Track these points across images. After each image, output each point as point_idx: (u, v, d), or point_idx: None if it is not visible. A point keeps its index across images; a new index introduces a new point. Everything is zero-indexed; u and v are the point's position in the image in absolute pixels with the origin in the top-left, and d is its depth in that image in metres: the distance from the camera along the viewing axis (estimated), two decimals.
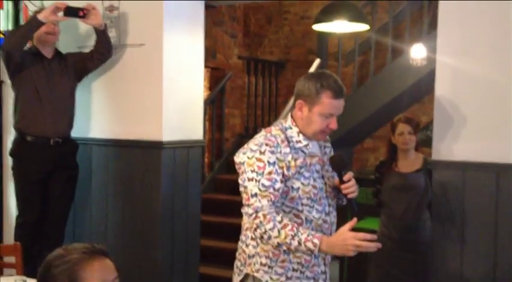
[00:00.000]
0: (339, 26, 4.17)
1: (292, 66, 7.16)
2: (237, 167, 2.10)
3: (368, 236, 1.88)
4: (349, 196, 2.09)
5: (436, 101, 2.72)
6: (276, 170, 2.01)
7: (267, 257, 2.08)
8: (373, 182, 3.57)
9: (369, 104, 5.55)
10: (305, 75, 2.15)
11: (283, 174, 2.02)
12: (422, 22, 5.31)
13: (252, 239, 2.12)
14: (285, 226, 1.93)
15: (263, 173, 2.00)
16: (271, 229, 1.94)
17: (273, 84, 6.75)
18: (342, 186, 2.09)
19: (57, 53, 3.41)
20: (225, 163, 5.95)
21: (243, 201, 2.05)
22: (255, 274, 2.11)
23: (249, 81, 6.48)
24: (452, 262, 2.65)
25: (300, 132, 2.09)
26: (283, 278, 2.08)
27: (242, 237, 2.18)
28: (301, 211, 2.06)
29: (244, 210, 2.04)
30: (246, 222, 2.11)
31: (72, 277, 1.37)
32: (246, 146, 2.10)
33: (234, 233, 2.12)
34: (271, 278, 2.08)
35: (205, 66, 6.58)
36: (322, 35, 5.77)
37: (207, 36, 5.78)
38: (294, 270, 2.09)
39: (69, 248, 1.43)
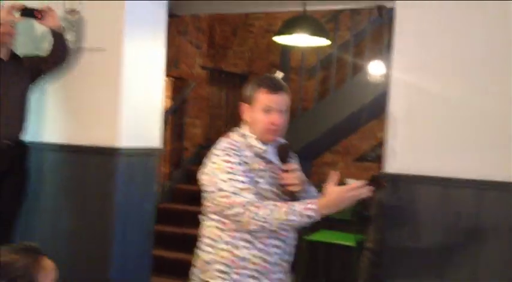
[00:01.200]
0: (301, 40, 4.25)
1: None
2: (204, 182, 2.09)
3: (358, 183, 1.94)
4: (289, 188, 2.06)
5: (390, 115, 2.78)
6: (245, 169, 2.03)
7: (224, 264, 2.08)
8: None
9: (328, 119, 5.63)
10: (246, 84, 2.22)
11: (248, 177, 2.03)
12: (382, 39, 5.43)
13: (209, 246, 2.11)
14: (278, 206, 1.95)
15: (236, 172, 2.02)
16: (268, 214, 1.94)
17: (236, 96, 6.78)
18: (283, 175, 2.07)
19: (13, 55, 3.34)
20: (184, 173, 5.92)
21: (215, 206, 2.05)
22: (212, 281, 2.09)
23: (212, 92, 6.49)
24: (402, 271, 2.69)
25: (257, 138, 2.12)
26: None
27: (199, 244, 2.17)
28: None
29: (229, 212, 2.01)
30: (204, 228, 2.13)
31: (31, 281, 1.37)
32: (208, 160, 2.10)
33: (190, 243, 2.11)
34: None
35: (168, 76, 6.57)
36: (285, 49, 5.85)
37: (170, 45, 5.76)
38: (250, 276, 2.07)
39: (5, 254, 1.40)
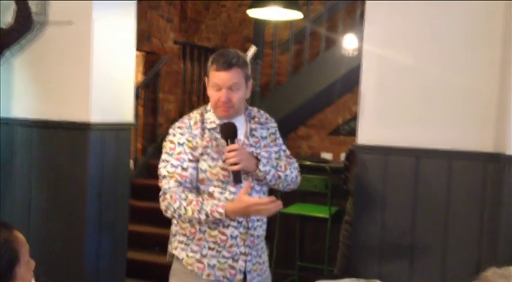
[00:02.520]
0: (274, 13, 4.21)
1: None
2: None
3: (265, 200, 1.98)
4: (232, 168, 2.04)
5: (362, 88, 2.80)
6: (185, 150, 2.09)
7: (184, 235, 2.16)
8: (342, 170, 3.63)
9: (302, 92, 5.65)
10: None
11: (192, 155, 2.09)
12: (356, 13, 5.43)
13: (174, 218, 2.17)
14: (190, 202, 2.03)
15: (173, 153, 2.10)
16: (179, 207, 2.03)
17: None
18: (227, 155, 2.05)
19: None
20: (158, 148, 5.87)
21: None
22: (174, 252, 2.19)
23: (184, 67, 6.43)
24: (372, 241, 2.74)
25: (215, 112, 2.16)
26: (198, 256, 2.14)
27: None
28: (212, 192, 2.10)
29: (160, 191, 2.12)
30: None
31: (13, 254, 1.40)
32: None
33: (165, 218, 2.16)
34: (187, 256, 2.15)
35: (140, 50, 6.49)
36: (258, 23, 5.80)
37: (142, 19, 5.66)
38: (209, 248, 2.13)
39: None
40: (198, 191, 2.12)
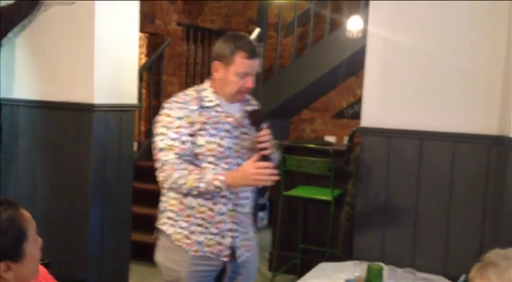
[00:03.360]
0: None
1: None
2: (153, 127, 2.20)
3: (265, 164, 2.01)
4: (264, 152, 2.10)
5: (366, 70, 2.78)
6: (184, 124, 2.10)
7: (172, 211, 2.19)
8: (345, 152, 3.64)
9: (306, 75, 5.61)
10: (221, 38, 2.21)
11: (190, 129, 2.11)
12: None
13: (163, 195, 2.22)
14: (191, 171, 2.06)
15: (171, 127, 2.11)
16: (179, 178, 2.05)
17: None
18: (258, 140, 2.12)
19: None
20: None
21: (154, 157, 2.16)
22: (162, 227, 2.22)
23: (188, 49, 6.39)
24: (375, 224, 2.75)
25: (216, 92, 2.19)
26: (186, 232, 2.17)
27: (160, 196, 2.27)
28: (204, 169, 2.11)
29: (156, 164, 2.12)
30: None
31: (20, 231, 1.40)
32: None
33: None
34: (175, 232, 2.18)
35: (143, 32, 6.45)
36: (262, 5, 5.76)
37: (145, 0, 5.61)
38: (198, 225, 2.16)
39: None
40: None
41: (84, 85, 3.25)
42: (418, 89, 2.67)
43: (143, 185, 5.02)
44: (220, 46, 2.16)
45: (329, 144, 4.87)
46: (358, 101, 5.79)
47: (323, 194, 4.14)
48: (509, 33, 2.47)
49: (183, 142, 2.09)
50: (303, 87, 5.69)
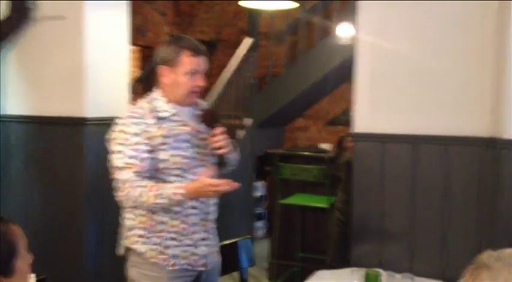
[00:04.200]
0: (268, 3, 4.21)
1: (224, 46, 7.12)
2: (108, 144, 2.14)
3: (222, 181, 2.00)
4: (218, 152, 2.10)
5: (357, 76, 2.79)
6: (141, 140, 2.04)
7: (143, 229, 2.12)
8: (333, 158, 3.65)
9: (299, 83, 5.62)
10: (162, 44, 2.19)
11: (150, 145, 2.05)
12: (350, 2, 5.40)
13: (128, 212, 2.15)
14: (150, 188, 2.00)
15: (128, 144, 2.04)
16: (140, 195, 2.00)
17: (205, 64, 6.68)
18: (212, 140, 2.10)
19: None
20: None
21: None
22: (133, 246, 2.14)
23: None
24: (372, 230, 2.73)
25: (170, 101, 2.12)
26: (160, 248, 2.11)
27: (121, 211, 2.20)
28: (173, 182, 2.07)
29: (115, 185, 2.07)
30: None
31: (10, 247, 1.39)
32: (113, 128, 2.14)
33: None
34: (149, 249, 2.11)
35: (136, 45, 6.46)
36: (252, 14, 5.77)
37: (136, 13, 5.61)
38: (171, 239, 2.12)
39: None
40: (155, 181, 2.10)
41: (75, 99, 3.24)
42: (409, 94, 2.68)
43: None
44: (163, 50, 2.13)
45: (324, 151, 4.87)
46: (351, 107, 5.79)
47: (319, 202, 4.13)
48: (498, 37, 2.48)
49: (142, 160, 2.04)
50: (296, 95, 5.69)
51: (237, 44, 6.38)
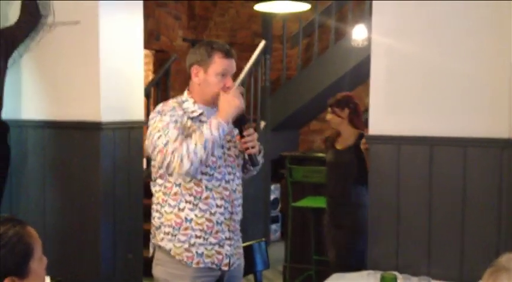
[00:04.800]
0: (282, 6, 4.21)
1: (238, 49, 7.10)
2: (146, 146, 2.22)
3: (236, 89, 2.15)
4: (248, 151, 2.18)
5: (372, 78, 2.77)
6: (179, 126, 2.13)
7: (169, 226, 2.17)
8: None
9: (313, 86, 5.61)
10: (193, 47, 2.30)
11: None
12: (365, 3, 5.38)
13: (157, 211, 2.21)
14: (192, 136, 2.07)
15: (168, 127, 2.11)
16: (189, 145, 2.04)
17: None
18: (242, 140, 2.18)
19: None
20: None
21: (156, 165, 2.17)
22: (160, 243, 2.19)
23: None
24: (388, 233, 2.71)
25: (196, 102, 2.21)
26: (186, 245, 2.16)
27: (152, 211, 2.27)
28: (200, 180, 2.14)
29: (165, 163, 2.08)
30: (154, 196, 2.25)
31: (27, 248, 1.40)
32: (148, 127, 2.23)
33: None
34: (174, 246, 2.16)
35: (149, 49, 6.49)
36: (266, 17, 5.78)
37: (149, 17, 5.65)
38: (196, 237, 2.15)
39: None
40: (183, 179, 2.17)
41: (90, 103, 3.26)
42: (425, 95, 2.65)
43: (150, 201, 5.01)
44: (195, 51, 2.23)
45: None
46: (367, 109, 5.75)
47: None
48: None
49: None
50: (311, 97, 5.68)
51: (251, 47, 6.38)
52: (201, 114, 2.20)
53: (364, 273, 2.57)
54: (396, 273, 2.33)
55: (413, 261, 2.65)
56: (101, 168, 3.26)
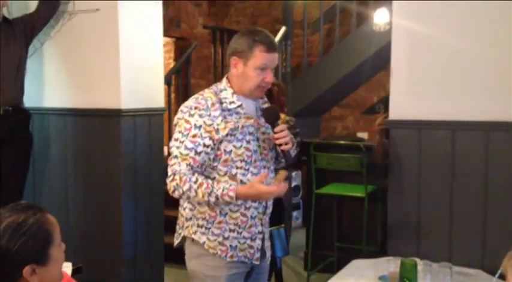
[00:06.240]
0: None
1: None
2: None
3: (275, 188, 2.01)
4: (282, 147, 2.09)
5: (393, 63, 2.73)
6: (201, 134, 2.02)
7: (203, 219, 2.11)
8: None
9: (335, 72, 5.54)
10: (237, 33, 2.15)
11: (211, 139, 2.03)
12: None
13: (188, 202, 2.13)
14: (200, 185, 1.99)
15: (188, 134, 2.02)
16: (189, 190, 1.99)
17: None
18: (275, 136, 2.08)
19: (5, 19, 3.30)
20: None
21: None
22: (193, 236, 2.13)
23: (215, 51, 6.40)
24: (409, 218, 2.68)
25: (235, 93, 2.10)
26: (220, 239, 2.11)
27: (180, 201, 2.19)
28: (235, 174, 2.07)
29: (168, 170, 2.05)
30: None
31: (46, 235, 1.41)
32: (180, 107, 2.12)
33: None
34: (208, 239, 2.11)
35: (170, 36, 6.49)
36: (287, 3, 5.72)
37: (170, 4, 5.64)
38: (230, 230, 2.11)
39: (12, 214, 1.41)
40: (208, 176, 2.09)
41: (110, 90, 3.28)
42: (447, 79, 2.60)
43: None
44: (237, 41, 2.08)
45: (360, 140, 4.79)
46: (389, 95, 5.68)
47: (356, 191, 4.07)
48: None
49: (198, 153, 2.02)
50: (332, 84, 5.62)
51: (272, 33, 6.30)
52: (239, 106, 2.09)
53: (383, 259, 2.54)
54: (417, 259, 2.30)
55: (434, 247, 2.62)
56: (121, 155, 3.29)
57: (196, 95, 2.12)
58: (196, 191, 1.99)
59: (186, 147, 2.02)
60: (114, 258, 3.34)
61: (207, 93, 2.10)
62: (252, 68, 2.05)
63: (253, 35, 2.06)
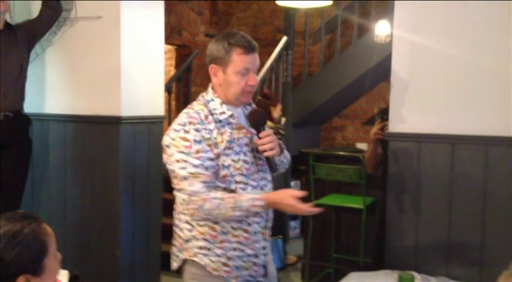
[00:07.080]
0: (304, 2, 4.18)
1: (260, 45, 7.02)
2: (163, 150, 1.97)
3: (304, 205, 1.85)
4: (265, 154, 1.95)
5: (393, 74, 2.73)
6: (204, 148, 1.89)
7: (204, 240, 1.98)
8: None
9: (335, 82, 5.55)
10: (213, 38, 2.03)
11: (212, 153, 1.90)
12: None
13: (186, 222, 2.00)
14: (224, 201, 1.87)
15: (190, 152, 1.88)
16: (217, 208, 1.87)
17: None
18: (258, 142, 1.95)
19: (7, 25, 3.31)
20: None
21: (173, 185, 1.95)
22: (194, 258, 2.00)
23: None
24: (407, 232, 2.67)
25: (223, 102, 1.97)
26: (223, 259, 1.98)
27: (175, 221, 2.05)
28: (234, 190, 1.94)
29: (177, 194, 1.93)
30: (178, 205, 2.00)
31: (42, 245, 1.40)
32: (170, 127, 1.97)
33: None
34: (211, 260, 1.98)
35: (171, 44, 6.51)
36: (288, 13, 5.74)
37: (172, 12, 5.66)
38: (234, 249, 1.99)
39: (8, 223, 1.40)
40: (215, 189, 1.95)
41: (111, 98, 3.29)
42: (447, 92, 2.60)
43: (172, 196, 5.03)
44: (213, 47, 1.95)
45: (360, 151, 4.79)
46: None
47: (355, 202, 4.06)
48: None
49: (207, 168, 1.89)
50: (333, 94, 5.63)
51: (273, 42, 6.36)
52: (230, 116, 1.96)
53: (381, 272, 2.54)
54: (414, 273, 2.29)
55: (432, 261, 2.61)
56: (120, 162, 3.29)
57: (186, 110, 1.98)
58: (220, 208, 1.86)
59: (193, 166, 1.87)
60: (112, 266, 3.33)
61: (197, 105, 1.97)
62: (233, 73, 1.92)
63: (228, 38, 1.92)
